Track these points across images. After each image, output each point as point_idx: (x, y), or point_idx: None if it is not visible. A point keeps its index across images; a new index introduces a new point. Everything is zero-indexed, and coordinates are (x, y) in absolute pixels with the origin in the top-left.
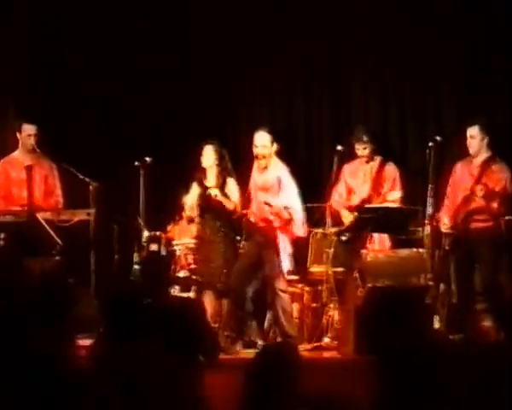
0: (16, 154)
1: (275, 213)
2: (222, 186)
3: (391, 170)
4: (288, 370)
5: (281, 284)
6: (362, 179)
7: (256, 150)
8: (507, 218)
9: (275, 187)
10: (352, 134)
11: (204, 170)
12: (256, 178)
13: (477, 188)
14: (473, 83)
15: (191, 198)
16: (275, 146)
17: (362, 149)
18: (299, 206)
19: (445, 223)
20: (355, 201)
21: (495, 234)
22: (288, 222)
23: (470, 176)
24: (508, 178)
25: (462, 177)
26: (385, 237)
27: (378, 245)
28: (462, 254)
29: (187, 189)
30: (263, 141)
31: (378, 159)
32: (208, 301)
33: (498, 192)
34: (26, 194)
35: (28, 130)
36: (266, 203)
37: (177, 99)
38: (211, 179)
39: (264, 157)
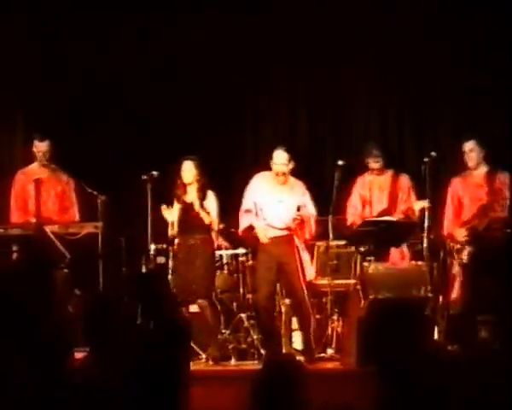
0: (33, 166)
1: (301, 225)
2: (202, 200)
3: (405, 180)
4: (292, 383)
5: (305, 293)
6: (377, 191)
7: (276, 168)
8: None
9: (294, 202)
10: (359, 150)
11: (184, 185)
12: (270, 192)
13: (503, 196)
14: (469, 99)
15: (172, 216)
16: (291, 164)
17: (373, 163)
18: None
19: (462, 235)
20: (370, 213)
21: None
22: (308, 230)
23: (479, 187)
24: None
25: (468, 190)
26: (404, 249)
27: (399, 258)
28: (478, 266)
29: (168, 206)
30: (282, 159)
31: (390, 171)
32: (209, 313)
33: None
34: (43, 206)
35: (39, 146)
36: (296, 218)
37: (182, 114)
38: (191, 194)
39: (283, 174)
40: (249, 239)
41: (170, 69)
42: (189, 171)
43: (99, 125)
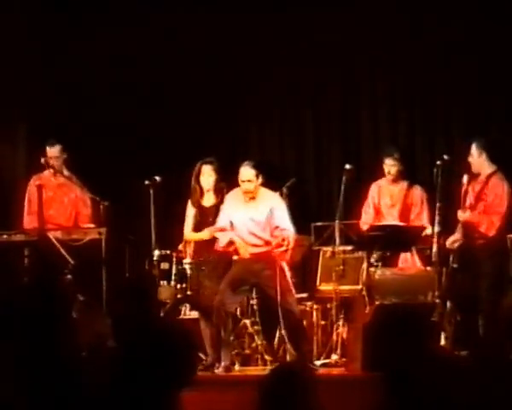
0: (45, 173)
1: (279, 245)
2: (220, 205)
3: (418, 193)
4: (300, 389)
5: (292, 302)
6: (390, 202)
7: (242, 185)
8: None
9: (264, 219)
10: (376, 155)
11: (201, 190)
12: (242, 209)
13: (480, 203)
14: (482, 102)
15: (189, 221)
16: (260, 179)
17: (390, 166)
18: (292, 229)
19: (448, 241)
20: (388, 220)
21: (497, 249)
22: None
23: (466, 193)
24: (505, 193)
25: (467, 193)
26: (415, 257)
27: (411, 264)
28: (468, 271)
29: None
30: (247, 176)
31: (405, 183)
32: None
33: (495, 207)
34: (52, 212)
35: (51, 152)
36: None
37: (182, 122)
38: (209, 198)
39: (250, 192)
40: (230, 254)
41: (172, 74)
42: (209, 176)
43: (101, 132)
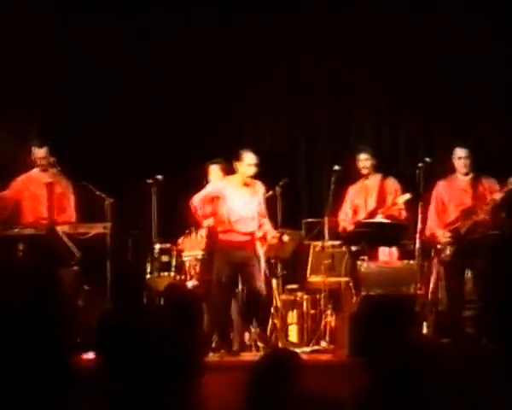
0: (35, 171)
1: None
2: None
3: (392, 183)
4: (289, 374)
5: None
6: (366, 195)
7: (249, 169)
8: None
9: (257, 203)
10: (353, 155)
11: None
12: (237, 194)
13: (486, 201)
14: (461, 110)
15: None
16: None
17: (364, 161)
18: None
19: (445, 236)
20: (361, 216)
21: (496, 244)
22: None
23: (464, 192)
24: (498, 192)
25: (453, 194)
26: (393, 249)
27: (388, 257)
28: (459, 265)
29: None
30: (255, 160)
31: (379, 175)
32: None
33: (499, 204)
34: (41, 208)
35: (38, 153)
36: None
37: (183, 127)
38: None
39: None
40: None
41: (174, 74)
42: (216, 175)
43: (107, 134)
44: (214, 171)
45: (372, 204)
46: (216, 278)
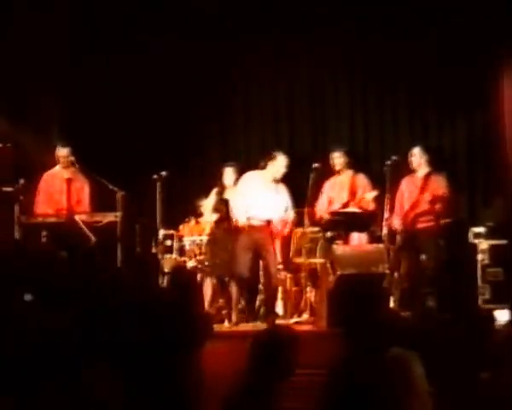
0: (57, 168)
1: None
2: None
3: (362, 179)
4: (285, 347)
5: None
6: (339, 189)
7: (282, 171)
8: (446, 220)
9: (281, 200)
10: (329, 155)
11: (223, 186)
12: (264, 185)
13: (425, 195)
14: (424, 112)
15: (208, 203)
16: None
17: (337, 158)
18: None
19: (397, 225)
20: (335, 207)
21: (437, 232)
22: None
23: (415, 187)
24: (445, 187)
25: (407, 189)
26: (362, 235)
27: (358, 241)
28: (411, 249)
29: (205, 195)
30: (287, 162)
31: (350, 171)
32: (210, 285)
33: (440, 197)
34: (63, 200)
35: (61, 152)
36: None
37: (187, 124)
38: (229, 194)
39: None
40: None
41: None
42: (229, 176)
43: (119, 137)
44: (228, 172)
45: (344, 197)
46: (241, 253)
